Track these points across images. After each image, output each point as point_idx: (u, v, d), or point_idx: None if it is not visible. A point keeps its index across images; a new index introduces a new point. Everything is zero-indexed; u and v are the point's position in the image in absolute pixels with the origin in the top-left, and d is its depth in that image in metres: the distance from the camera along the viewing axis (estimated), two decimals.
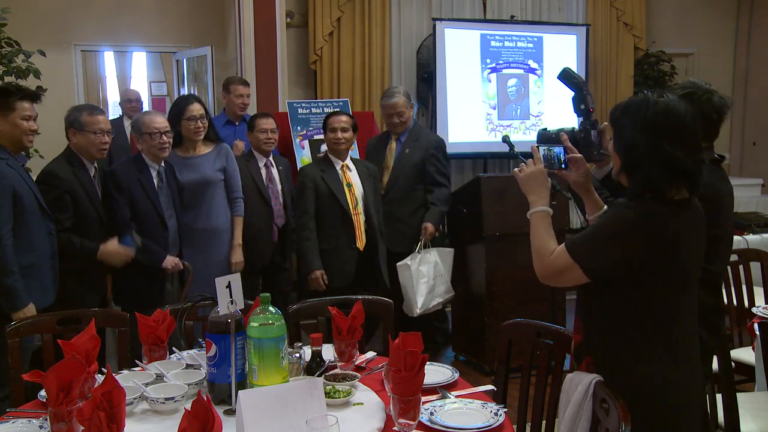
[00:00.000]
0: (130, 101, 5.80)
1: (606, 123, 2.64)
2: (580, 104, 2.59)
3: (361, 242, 3.84)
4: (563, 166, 2.05)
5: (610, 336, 1.81)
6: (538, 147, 2.07)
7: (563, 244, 1.84)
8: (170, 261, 3.38)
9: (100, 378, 1.83)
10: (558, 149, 2.07)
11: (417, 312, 4.10)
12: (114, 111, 9.14)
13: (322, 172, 3.82)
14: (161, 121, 3.36)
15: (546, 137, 2.62)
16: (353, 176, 3.86)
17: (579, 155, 2.04)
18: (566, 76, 2.67)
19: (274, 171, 4.11)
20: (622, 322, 1.79)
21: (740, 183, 6.73)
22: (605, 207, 2.04)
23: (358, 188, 3.84)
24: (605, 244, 1.76)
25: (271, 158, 4.11)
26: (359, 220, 3.82)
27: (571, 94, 2.63)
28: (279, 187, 4.10)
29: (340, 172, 3.84)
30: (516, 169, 2.06)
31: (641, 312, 1.77)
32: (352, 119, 3.89)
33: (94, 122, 3.16)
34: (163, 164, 3.43)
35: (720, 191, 2.18)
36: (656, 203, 1.75)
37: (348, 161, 3.89)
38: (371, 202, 3.87)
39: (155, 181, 3.39)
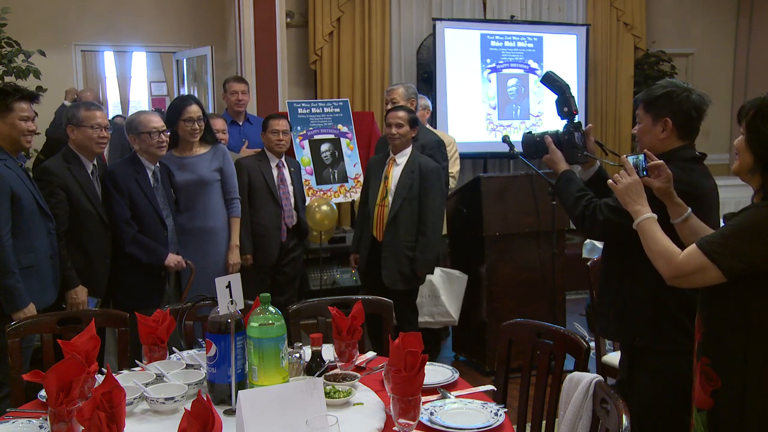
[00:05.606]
0: None
1: (590, 125, 2.65)
2: (564, 107, 2.59)
3: (377, 232, 3.87)
4: (644, 173, 2.05)
5: (734, 337, 1.78)
6: (627, 157, 2.07)
7: (694, 245, 1.81)
8: (173, 259, 3.38)
9: (100, 378, 1.83)
10: (641, 157, 2.07)
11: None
12: (114, 111, 9.15)
13: (376, 164, 3.98)
14: (158, 120, 3.39)
15: (530, 140, 2.63)
16: (396, 170, 3.86)
17: (660, 161, 2.03)
18: (549, 80, 2.67)
19: (286, 172, 4.11)
20: (752, 324, 1.76)
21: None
22: (689, 210, 2.03)
23: (393, 181, 3.84)
24: (748, 243, 1.73)
25: (282, 159, 4.12)
26: (382, 211, 3.85)
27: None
28: (290, 188, 4.11)
29: (387, 164, 3.89)
30: (610, 181, 2.08)
31: None
32: (409, 114, 3.84)
33: (91, 117, 3.20)
34: (157, 164, 3.44)
35: (704, 188, 2.19)
36: None
37: (399, 156, 3.85)
38: (401, 196, 3.80)
39: (151, 181, 3.40)
